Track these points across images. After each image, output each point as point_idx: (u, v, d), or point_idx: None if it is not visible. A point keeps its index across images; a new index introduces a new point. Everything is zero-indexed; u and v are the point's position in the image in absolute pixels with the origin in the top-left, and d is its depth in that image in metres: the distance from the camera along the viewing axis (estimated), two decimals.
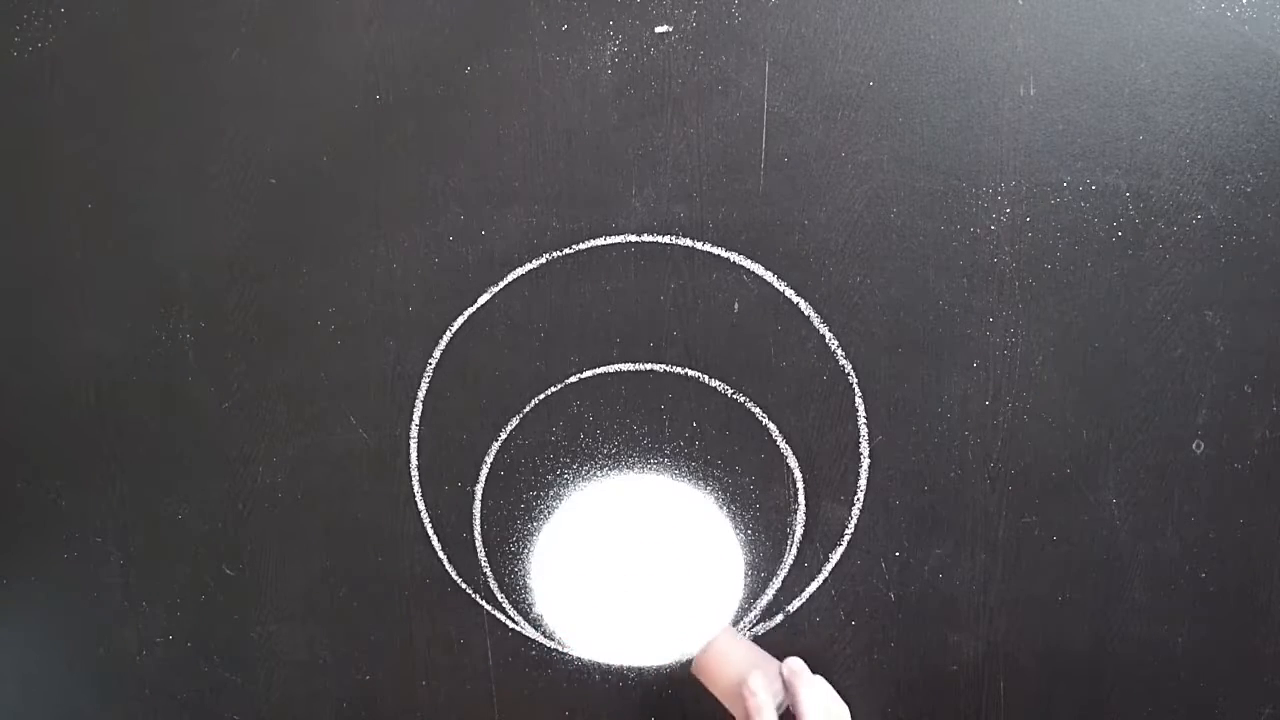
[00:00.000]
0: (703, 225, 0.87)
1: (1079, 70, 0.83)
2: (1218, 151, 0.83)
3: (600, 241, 0.87)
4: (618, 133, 0.86)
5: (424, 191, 0.88)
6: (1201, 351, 0.85)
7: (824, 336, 0.87)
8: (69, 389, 0.92)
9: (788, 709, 0.80)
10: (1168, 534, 0.88)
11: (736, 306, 0.87)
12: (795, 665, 0.81)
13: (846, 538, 0.89)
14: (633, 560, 0.91)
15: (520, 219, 0.87)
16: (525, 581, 0.92)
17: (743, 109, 0.85)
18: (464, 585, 0.92)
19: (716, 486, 0.90)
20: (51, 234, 0.90)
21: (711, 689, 0.85)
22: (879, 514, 0.89)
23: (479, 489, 0.91)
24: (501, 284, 0.88)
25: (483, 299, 0.89)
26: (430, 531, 0.92)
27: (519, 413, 0.90)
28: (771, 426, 0.89)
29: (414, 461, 0.91)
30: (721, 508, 0.90)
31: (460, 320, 0.89)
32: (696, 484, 0.90)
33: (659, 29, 0.84)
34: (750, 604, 0.91)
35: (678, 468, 0.90)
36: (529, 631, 0.93)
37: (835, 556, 0.90)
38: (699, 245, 0.87)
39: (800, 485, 0.89)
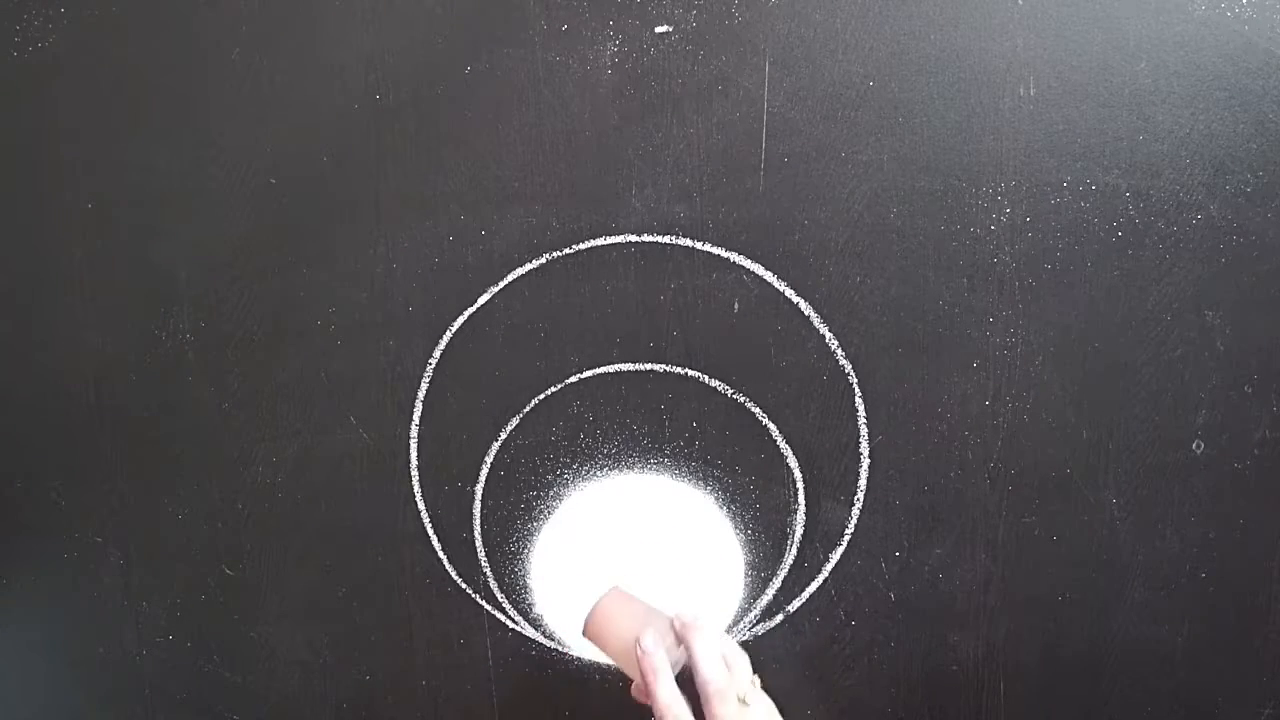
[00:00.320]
0: (703, 225, 0.86)
1: (1079, 70, 0.83)
2: (1218, 151, 0.83)
3: (600, 241, 0.87)
4: (618, 133, 0.86)
5: (424, 191, 0.88)
6: (1201, 351, 0.85)
7: (824, 336, 0.87)
8: (69, 389, 0.92)
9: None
10: (1168, 534, 0.88)
11: (736, 306, 0.87)
12: (686, 616, 0.73)
13: (846, 538, 0.89)
14: (633, 560, 0.91)
15: (520, 219, 0.87)
16: (525, 581, 0.92)
17: (743, 109, 0.85)
18: (464, 585, 0.92)
19: (716, 486, 0.90)
20: (51, 234, 0.90)
21: (605, 652, 0.79)
22: (879, 514, 0.89)
23: (479, 489, 0.91)
24: (501, 284, 0.88)
25: (483, 299, 0.89)
26: (430, 531, 0.92)
27: (519, 413, 0.90)
28: (771, 426, 0.89)
29: (414, 461, 0.91)
30: (721, 508, 0.90)
31: (460, 320, 0.89)
32: (696, 484, 0.90)
33: (659, 29, 0.84)
34: (750, 604, 0.91)
35: (678, 468, 0.90)
36: (529, 631, 0.93)
37: (835, 556, 0.90)
38: (699, 245, 0.87)
39: (800, 485, 0.89)
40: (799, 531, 0.90)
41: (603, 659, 0.92)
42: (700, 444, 0.90)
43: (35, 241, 0.90)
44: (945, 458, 0.88)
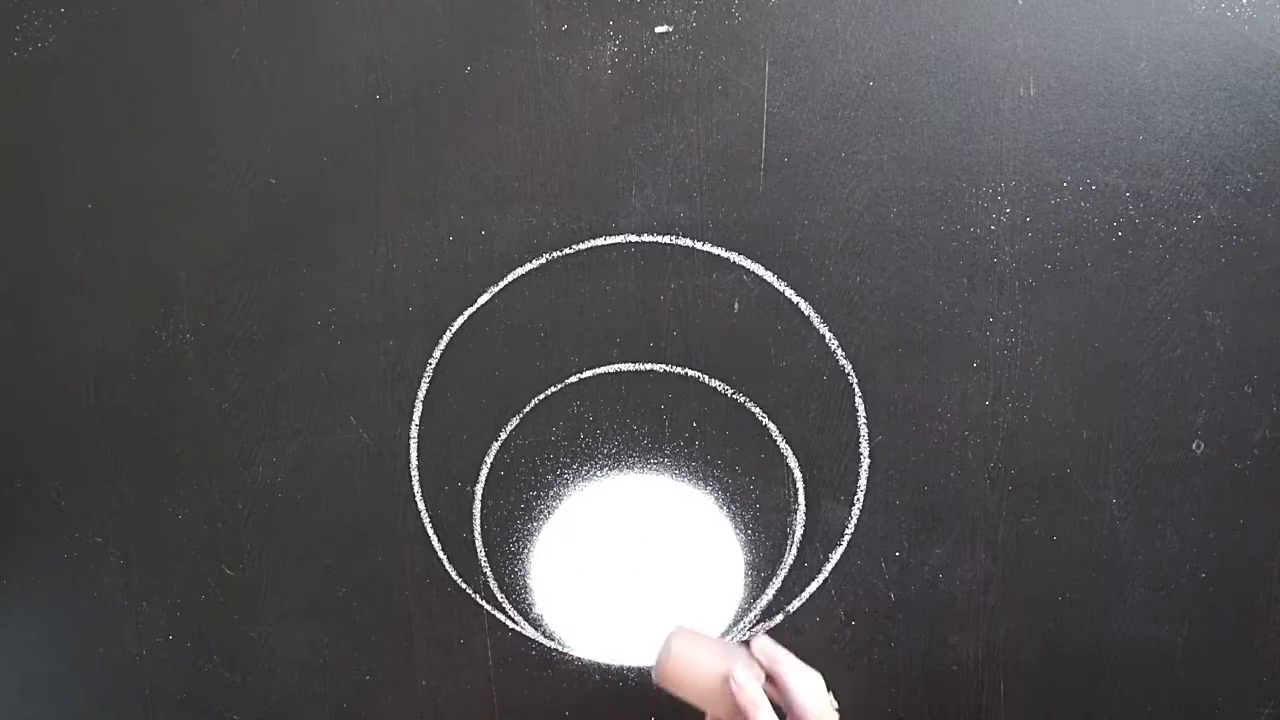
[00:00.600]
0: (703, 225, 0.86)
1: (1079, 70, 0.83)
2: (1218, 151, 0.83)
3: (600, 241, 0.87)
4: (618, 133, 0.86)
5: (424, 191, 0.88)
6: (1201, 351, 0.85)
7: (824, 336, 0.87)
8: (69, 389, 0.92)
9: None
10: (1168, 534, 0.88)
11: (736, 306, 0.87)
12: (769, 648, 0.74)
13: (846, 538, 0.89)
14: (633, 560, 0.91)
15: (520, 219, 0.87)
16: (525, 581, 0.92)
17: (743, 109, 0.85)
18: (464, 585, 0.92)
19: (716, 486, 0.90)
20: (51, 234, 0.90)
21: (685, 695, 0.76)
22: (879, 514, 0.89)
23: (479, 489, 0.91)
24: (501, 284, 0.88)
25: (483, 299, 0.89)
26: (430, 531, 0.92)
27: (519, 413, 0.90)
28: (771, 426, 0.89)
29: (414, 461, 0.91)
30: (721, 508, 0.90)
31: (460, 320, 0.89)
32: (696, 484, 0.90)
33: (659, 29, 0.84)
34: (750, 604, 0.91)
35: (678, 468, 0.90)
36: (529, 631, 0.93)
37: (835, 556, 0.90)
38: (699, 245, 0.87)
39: (800, 485, 0.89)
40: (799, 531, 0.90)
41: (603, 659, 0.92)
42: (700, 444, 0.90)
43: (35, 241, 0.90)
44: (945, 458, 0.88)
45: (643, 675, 0.92)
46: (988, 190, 0.84)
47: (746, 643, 0.75)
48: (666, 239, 0.87)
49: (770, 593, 0.91)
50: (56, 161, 0.89)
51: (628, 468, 0.91)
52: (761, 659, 0.74)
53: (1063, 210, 0.84)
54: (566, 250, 0.88)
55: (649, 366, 0.89)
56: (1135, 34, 0.82)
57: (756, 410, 0.89)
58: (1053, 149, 0.84)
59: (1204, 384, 0.86)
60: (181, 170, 0.89)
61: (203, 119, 0.88)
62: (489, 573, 0.92)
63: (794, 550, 0.90)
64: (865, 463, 0.88)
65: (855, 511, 0.89)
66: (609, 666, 0.92)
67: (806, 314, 0.87)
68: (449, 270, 0.88)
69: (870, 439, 0.88)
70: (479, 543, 0.92)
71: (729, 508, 0.90)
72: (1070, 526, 0.88)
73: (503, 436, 0.91)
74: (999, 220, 0.85)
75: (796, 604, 0.90)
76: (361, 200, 0.88)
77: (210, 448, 0.92)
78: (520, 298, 0.88)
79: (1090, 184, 0.84)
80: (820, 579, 0.90)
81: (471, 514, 0.92)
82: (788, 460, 0.89)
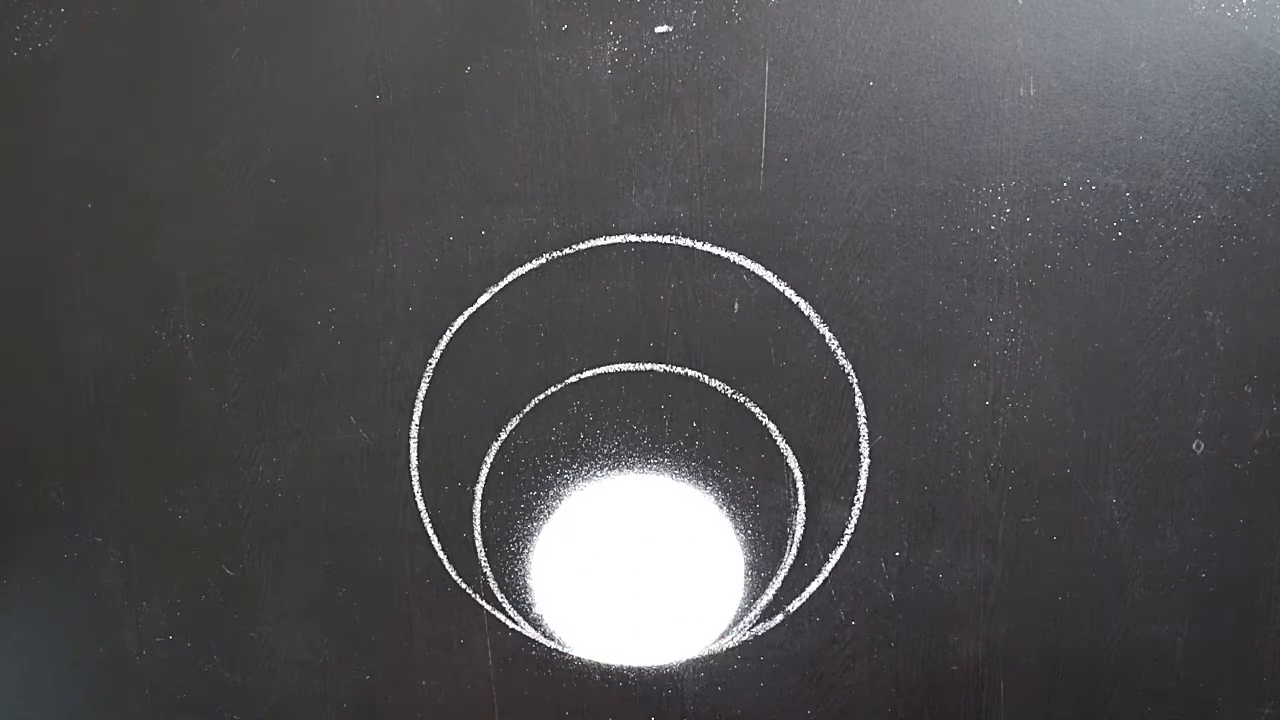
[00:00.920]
0: (703, 225, 0.87)
1: (1079, 70, 0.83)
2: (1218, 151, 0.83)
3: (600, 241, 0.87)
4: (618, 133, 0.86)
5: (424, 191, 0.88)
6: (1201, 351, 0.85)
7: (824, 336, 0.87)
8: (69, 389, 0.92)
9: None
10: (1168, 534, 0.88)
11: (736, 306, 0.87)
12: None
13: (846, 538, 0.89)
14: (633, 560, 0.91)
15: (520, 219, 0.87)
16: (525, 581, 0.92)
17: (743, 109, 0.85)
18: (464, 585, 0.92)
19: (716, 486, 0.90)
20: (51, 234, 0.90)
21: None
22: (879, 514, 0.89)
23: (479, 489, 0.91)
24: (501, 284, 0.88)
25: (483, 299, 0.89)
26: (430, 531, 0.92)
27: (519, 413, 0.90)
28: (771, 426, 0.89)
29: (414, 461, 0.91)
30: (721, 508, 0.90)
31: (460, 320, 0.89)
32: (696, 484, 0.90)
33: (659, 29, 0.84)
34: (750, 604, 0.91)
35: (678, 468, 0.90)
36: (529, 631, 0.93)
37: (835, 556, 0.90)
38: (699, 245, 0.87)
39: (800, 485, 0.89)
40: (799, 531, 0.90)
41: (603, 659, 0.92)
42: (700, 444, 0.90)
43: (35, 241, 0.90)
44: (945, 458, 0.88)
45: (643, 675, 0.92)
46: (988, 190, 0.84)
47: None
48: (666, 239, 0.87)
49: (770, 593, 0.91)
50: (56, 161, 0.89)
51: (628, 468, 0.91)
52: None
53: (1063, 210, 0.84)
54: (566, 250, 0.88)
55: (649, 366, 0.89)
56: (1135, 34, 0.82)
57: (756, 410, 0.89)
58: (1053, 149, 0.84)
59: (1204, 384, 0.86)
60: (181, 170, 0.89)
61: (203, 119, 0.88)
62: (489, 573, 0.92)
63: (794, 550, 0.90)
64: (865, 463, 0.88)
65: (855, 511, 0.89)
66: (609, 666, 0.92)
67: (806, 314, 0.87)
68: (449, 270, 0.88)
69: (870, 439, 0.88)
70: (479, 543, 0.92)
71: (729, 508, 0.90)
72: (1070, 526, 0.88)
73: (503, 436, 0.91)
74: (999, 220, 0.85)
75: (796, 604, 0.91)
76: (361, 200, 0.88)
77: (210, 448, 0.92)
78: (520, 298, 0.88)
79: (1090, 184, 0.84)
80: (820, 579, 0.90)
81: (471, 514, 0.92)
82: (788, 460, 0.89)
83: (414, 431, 0.91)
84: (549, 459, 0.91)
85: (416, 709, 0.94)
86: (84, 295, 0.91)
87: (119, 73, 0.88)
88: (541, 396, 0.90)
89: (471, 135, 0.87)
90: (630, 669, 0.92)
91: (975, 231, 0.85)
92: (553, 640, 0.93)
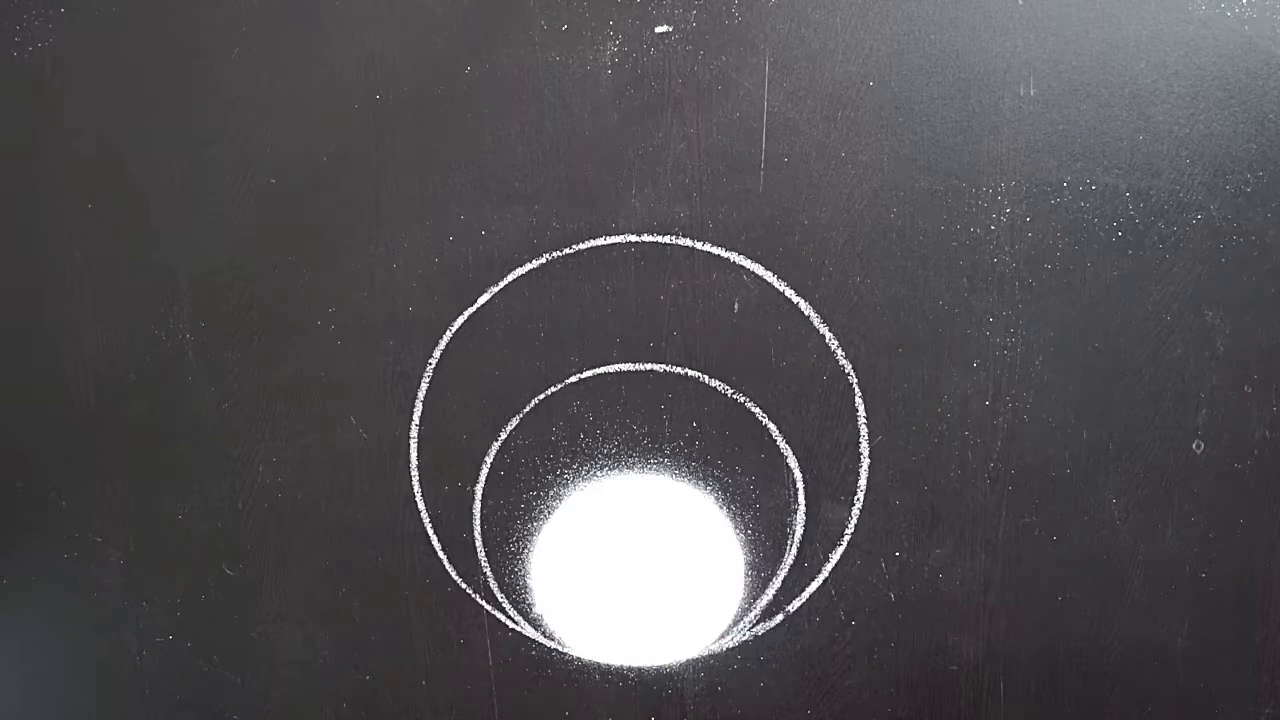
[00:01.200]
0: (703, 225, 0.87)
1: (1079, 70, 0.83)
2: (1218, 151, 0.83)
3: (600, 241, 0.87)
4: (618, 133, 0.86)
5: (424, 191, 0.88)
6: (1201, 351, 0.85)
7: (824, 336, 0.87)
8: (69, 389, 0.92)
9: None
10: (1168, 534, 0.88)
11: (736, 306, 0.87)
12: None
13: (846, 538, 0.89)
14: (633, 560, 0.91)
15: (520, 219, 0.87)
16: (525, 581, 0.92)
17: (743, 109, 0.85)
18: (464, 585, 0.92)
19: (716, 486, 0.90)
20: (51, 234, 0.90)
21: None
22: (879, 514, 0.89)
23: (479, 489, 0.91)
24: (501, 284, 0.88)
25: (483, 299, 0.89)
26: (430, 531, 0.92)
27: (519, 413, 0.90)
28: (771, 426, 0.89)
29: (414, 461, 0.91)
30: (721, 508, 0.90)
31: (460, 320, 0.89)
32: (696, 484, 0.90)
33: (659, 29, 0.84)
34: (750, 604, 0.91)
35: (678, 468, 0.90)
36: (529, 631, 0.93)
37: (835, 556, 0.90)
38: (699, 245, 0.87)
39: (800, 485, 0.89)
40: (799, 531, 0.90)
41: (603, 659, 0.92)
42: (700, 444, 0.90)
43: (35, 241, 0.90)
44: (945, 458, 0.88)
45: (643, 675, 0.92)
46: (988, 190, 0.84)
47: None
48: (666, 239, 0.87)
49: (770, 593, 0.91)
50: (56, 161, 0.89)
51: (628, 468, 0.91)
52: None
53: (1063, 210, 0.84)
54: (566, 250, 0.88)
55: (649, 366, 0.89)
56: (1135, 34, 0.82)
57: (756, 410, 0.89)
58: (1053, 149, 0.84)
59: (1204, 384, 0.86)
60: (181, 170, 0.89)
61: (203, 119, 0.88)
62: (489, 573, 0.92)
63: (794, 550, 0.90)
64: (865, 463, 0.88)
65: (855, 511, 0.89)
66: (609, 666, 0.92)
67: (806, 314, 0.87)
68: (449, 270, 0.88)
69: (870, 439, 0.88)
70: (479, 543, 0.92)
71: (729, 508, 0.90)
72: (1070, 526, 0.88)
73: (503, 436, 0.91)
74: (999, 220, 0.85)
75: (796, 604, 0.91)
76: (361, 200, 0.88)
77: (210, 448, 0.92)
78: (520, 298, 0.88)
79: (1090, 184, 0.84)
80: (820, 579, 0.90)
81: (471, 514, 0.92)
82: (788, 460, 0.89)
83: (414, 431, 0.91)
84: (549, 459, 0.91)
85: (416, 709, 0.94)
86: (84, 295, 0.91)
87: (119, 73, 0.88)
88: (541, 396, 0.90)
89: (471, 135, 0.87)
90: (630, 669, 0.92)
91: (975, 231, 0.85)
92: (553, 640, 0.93)
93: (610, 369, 0.89)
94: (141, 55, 0.88)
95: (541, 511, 0.92)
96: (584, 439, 0.90)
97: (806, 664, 0.90)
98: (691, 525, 0.91)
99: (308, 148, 0.88)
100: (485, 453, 0.91)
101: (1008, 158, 0.84)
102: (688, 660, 0.91)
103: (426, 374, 0.90)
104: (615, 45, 0.85)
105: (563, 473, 0.91)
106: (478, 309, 0.89)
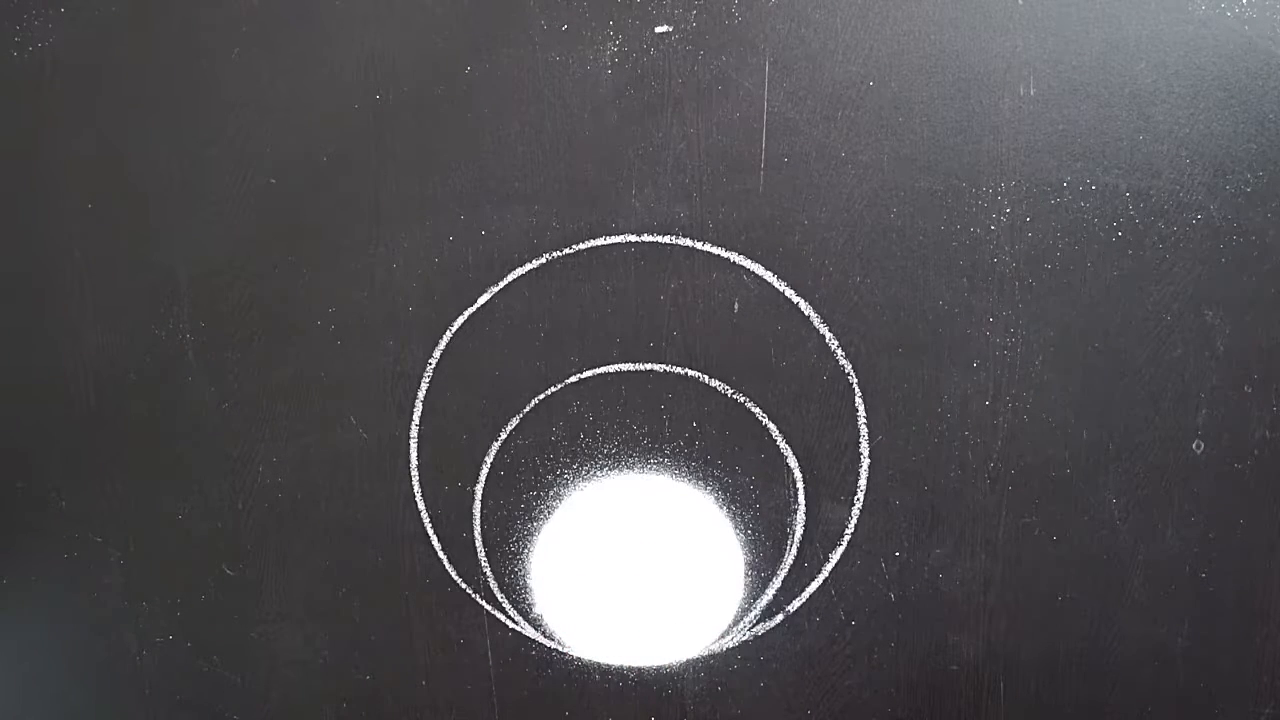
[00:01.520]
0: (703, 225, 0.87)
1: (1079, 70, 0.83)
2: (1218, 151, 0.83)
3: (600, 241, 0.87)
4: (618, 133, 0.86)
5: (424, 191, 0.88)
6: (1201, 351, 0.85)
7: (824, 336, 0.87)
8: (69, 389, 0.92)
9: None
10: (1168, 534, 0.88)
11: (736, 306, 0.87)
12: None
13: (846, 538, 0.89)
14: (633, 560, 0.91)
15: (520, 219, 0.87)
16: (525, 581, 0.92)
17: (743, 109, 0.85)
18: (464, 585, 0.92)
19: (716, 486, 0.90)
20: (51, 234, 0.90)
21: None
22: (879, 514, 0.89)
23: (479, 489, 0.91)
24: (501, 284, 0.88)
25: (483, 299, 0.89)
26: (430, 531, 0.92)
27: (519, 413, 0.90)
28: (771, 426, 0.89)
29: (414, 461, 0.91)
30: (721, 508, 0.90)
31: (460, 320, 0.89)
32: (696, 484, 0.90)
33: (659, 29, 0.84)
34: (750, 604, 0.91)
35: (678, 468, 0.90)
36: (529, 631, 0.93)
37: (835, 556, 0.90)
38: (699, 245, 0.87)
39: (800, 485, 0.89)
40: (799, 531, 0.90)
41: (603, 659, 0.92)
42: (700, 444, 0.90)
43: (35, 241, 0.90)
44: (945, 458, 0.88)
45: (642, 675, 0.92)
46: (988, 190, 0.84)
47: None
48: (666, 239, 0.87)
49: (770, 593, 0.91)
50: (56, 161, 0.89)
51: (628, 468, 0.91)
52: None
53: (1063, 210, 0.84)
54: (566, 250, 0.88)
55: (649, 366, 0.89)
56: (1135, 34, 0.82)
57: (756, 410, 0.89)
58: (1053, 149, 0.84)
59: (1204, 384, 0.86)
60: (181, 170, 0.89)
61: (203, 119, 0.88)
62: (489, 573, 0.92)
63: (794, 550, 0.90)
64: (865, 463, 0.88)
65: (855, 511, 0.89)
66: (609, 666, 0.92)
67: (806, 314, 0.87)
68: (449, 270, 0.88)
69: (870, 439, 0.88)
70: (479, 543, 0.92)
71: (729, 508, 0.90)
72: (1070, 526, 0.88)
73: (503, 436, 0.91)
74: (999, 220, 0.85)
75: (796, 604, 0.91)
76: (361, 200, 0.88)
77: (210, 448, 0.92)
78: (520, 298, 0.88)
79: (1090, 184, 0.84)
80: (820, 579, 0.90)
81: (471, 514, 0.92)
82: (788, 460, 0.89)
83: (414, 431, 0.91)
84: (549, 459, 0.91)
85: (416, 709, 0.94)
86: (84, 295, 0.91)
87: (119, 73, 0.88)
88: (541, 396, 0.90)
89: (471, 135, 0.87)
90: (630, 669, 0.92)
91: (975, 231, 0.85)
92: (553, 640, 0.93)
93: (610, 369, 0.89)
94: (141, 55, 0.88)
95: (541, 511, 0.92)
96: (584, 439, 0.90)
97: (806, 664, 0.90)
98: (691, 525, 0.91)
99: (308, 148, 0.88)
100: (485, 453, 0.91)
101: (1008, 158, 0.84)
102: (688, 660, 0.91)
103: (426, 374, 0.90)
104: (615, 45, 0.85)
105: (563, 473, 0.91)
106: (478, 309, 0.89)
